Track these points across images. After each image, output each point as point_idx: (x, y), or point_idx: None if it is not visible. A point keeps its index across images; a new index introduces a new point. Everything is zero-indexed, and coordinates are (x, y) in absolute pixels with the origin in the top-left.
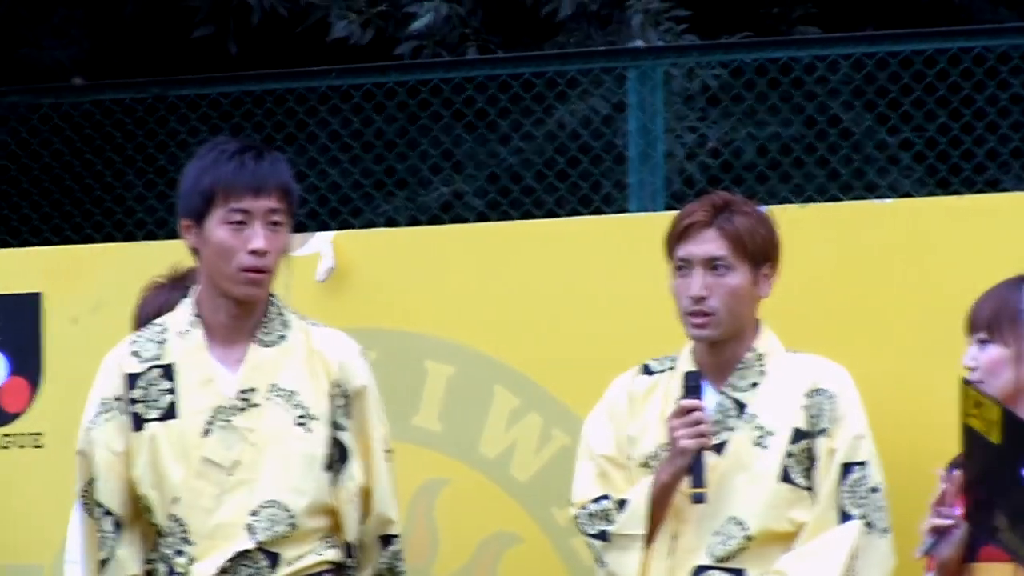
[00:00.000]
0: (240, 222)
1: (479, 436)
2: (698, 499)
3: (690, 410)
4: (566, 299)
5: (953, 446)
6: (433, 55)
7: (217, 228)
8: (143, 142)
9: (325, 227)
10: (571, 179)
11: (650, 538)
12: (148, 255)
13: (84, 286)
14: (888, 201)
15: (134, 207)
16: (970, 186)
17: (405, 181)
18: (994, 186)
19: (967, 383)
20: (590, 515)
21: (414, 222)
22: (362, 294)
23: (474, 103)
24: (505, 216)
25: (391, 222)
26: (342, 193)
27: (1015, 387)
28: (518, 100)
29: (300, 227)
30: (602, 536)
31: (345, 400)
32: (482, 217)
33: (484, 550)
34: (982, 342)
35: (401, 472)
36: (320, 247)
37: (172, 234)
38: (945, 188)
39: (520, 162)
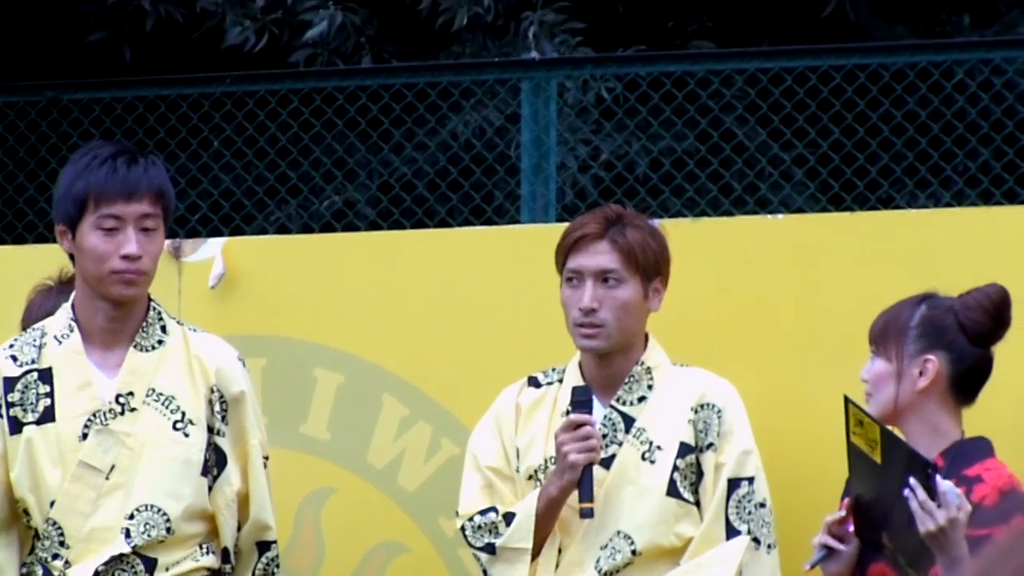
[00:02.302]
0: (112, 228)
1: (367, 445)
2: (586, 514)
3: (579, 425)
4: (457, 309)
5: (839, 462)
6: (327, 63)
7: (90, 234)
8: (35, 145)
9: (217, 233)
10: (463, 189)
11: (536, 552)
12: (38, 258)
13: None
14: (779, 217)
15: (25, 210)
16: (863, 203)
17: (298, 189)
18: (887, 204)
19: (849, 402)
20: (476, 527)
21: (306, 230)
22: (253, 301)
23: (368, 112)
24: (397, 225)
25: (283, 229)
26: (235, 200)
27: (895, 404)
28: (412, 109)
29: (192, 233)
30: (489, 549)
31: (223, 405)
32: (374, 226)
33: (371, 559)
34: (873, 355)
35: (288, 480)
36: (212, 253)
37: None
38: (838, 205)
39: (413, 172)
